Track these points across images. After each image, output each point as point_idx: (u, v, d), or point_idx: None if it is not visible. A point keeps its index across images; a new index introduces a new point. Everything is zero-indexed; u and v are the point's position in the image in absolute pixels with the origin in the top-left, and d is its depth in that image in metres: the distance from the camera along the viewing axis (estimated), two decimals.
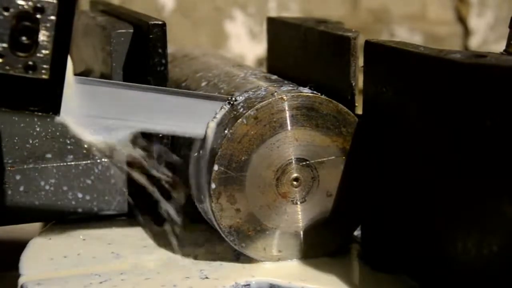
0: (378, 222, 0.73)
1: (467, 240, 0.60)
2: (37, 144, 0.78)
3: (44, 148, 0.78)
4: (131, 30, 0.79)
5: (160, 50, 0.76)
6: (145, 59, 0.77)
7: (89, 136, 0.70)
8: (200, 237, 0.77)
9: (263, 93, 0.72)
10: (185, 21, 1.50)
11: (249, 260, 0.72)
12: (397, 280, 0.69)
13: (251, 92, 0.72)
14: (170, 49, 0.78)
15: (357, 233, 0.75)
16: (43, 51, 0.62)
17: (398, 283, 0.68)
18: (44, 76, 0.63)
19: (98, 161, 0.78)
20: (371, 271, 0.71)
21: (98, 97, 0.69)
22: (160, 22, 0.76)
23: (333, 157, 0.72)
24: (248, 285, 0.69)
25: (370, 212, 0.73)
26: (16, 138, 0.77)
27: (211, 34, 1.51)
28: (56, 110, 0.64)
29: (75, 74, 0.68)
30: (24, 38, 0.62)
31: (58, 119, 0.66)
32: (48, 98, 0.64)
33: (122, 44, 0.79)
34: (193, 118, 0.71)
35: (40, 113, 0.64)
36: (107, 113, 0.69)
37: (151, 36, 0.76)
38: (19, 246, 0.77)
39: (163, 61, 0.76)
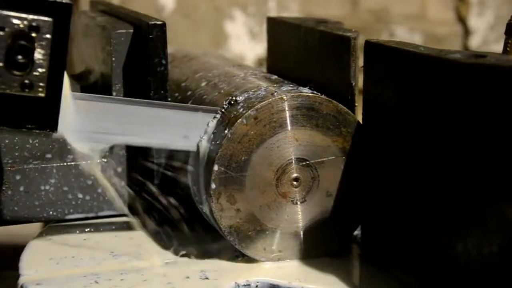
0: (378, 222, 0.73)
1: (467, 240, 0.60)
2: (37, 144, 0.78)
3: (44, 148, 0.78)
4: (131, 30, 0.79)
5: (160, 50, 0.76)
6: (145, 59, 0.77)
7: (87, 151, 0.71)
8: (200, 237, 0.77)
9: (263, 93, 0.72)
10: (185, 21, 1.50)
11: (249, 260, 0.72)
12: (397, 280, 0.69)
13: (251, 92, 0.72)
14: (170, 49, 0.78)
15: (357, 233, 0.75)
16: (39, 70, 0.63)
17: (398, 283, 0.68)
18: (40, 94, 0.63)
19: (98, 161, 0.78)
20: (371, 271, 0.71)
21: (95, 112, 0.69)
22: (160, 22, 0.76)
23: (333, 157, 0.71)
24: (248, 285, 0.69)
25: (370, 212, 0.73)
26: (16, 138, 0.77)
27: (211, 34, 1.52)
28: (54, 127, 0.65)
29: (75, 75, 0.68)
30: (20, 57, 0.62)
31: (55, 135, 0.66)
32: (45, 115, 0.64)
33: (122, 44, 0.79)
34: (187, 132, 0.72)
35: (37, 131, 0.64)
36: (104, 128, 0.70)
37: (151, 36, 0.76)
38: (19, 246, 0.77)
39: (163, 61, 0.76)
